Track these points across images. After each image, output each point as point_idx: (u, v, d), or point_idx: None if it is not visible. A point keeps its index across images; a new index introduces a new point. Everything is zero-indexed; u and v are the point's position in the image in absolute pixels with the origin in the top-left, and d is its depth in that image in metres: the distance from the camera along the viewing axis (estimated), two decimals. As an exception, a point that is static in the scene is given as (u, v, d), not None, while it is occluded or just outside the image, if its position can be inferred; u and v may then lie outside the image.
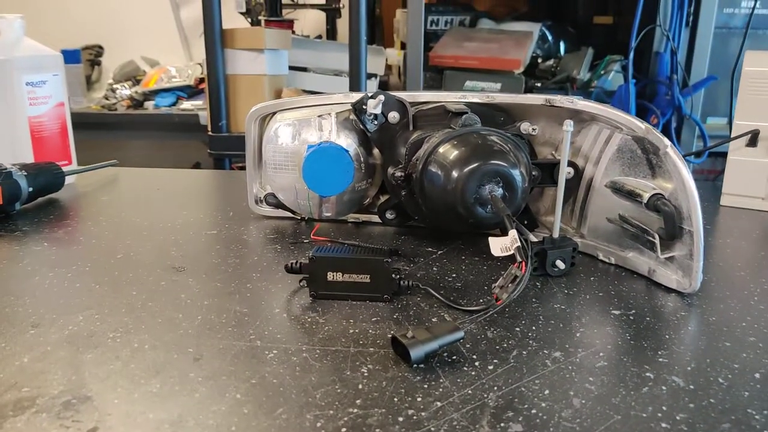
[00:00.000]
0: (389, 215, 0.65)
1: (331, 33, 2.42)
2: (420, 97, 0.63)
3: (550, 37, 1.92)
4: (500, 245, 0.48)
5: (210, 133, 1.49)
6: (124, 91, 2.25)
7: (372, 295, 0.50)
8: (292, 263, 0.51)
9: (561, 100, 0.58)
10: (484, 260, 0.59)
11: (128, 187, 0.88)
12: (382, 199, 0.68)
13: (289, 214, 0.70)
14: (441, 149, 0.55)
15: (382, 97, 0.59)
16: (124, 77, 2.35)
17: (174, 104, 2.24)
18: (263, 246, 0.63)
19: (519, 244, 0.46)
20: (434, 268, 0.57)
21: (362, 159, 0.63)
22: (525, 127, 0.59)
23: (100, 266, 0.56)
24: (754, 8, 1.46)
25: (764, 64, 0.78)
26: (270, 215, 0.71)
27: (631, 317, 0.48)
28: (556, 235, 0.55)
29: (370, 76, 1.61)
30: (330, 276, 0.49)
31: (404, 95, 0.63)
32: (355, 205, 0.66)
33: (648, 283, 0.55)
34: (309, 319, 0.46)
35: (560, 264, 0.54)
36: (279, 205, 0.68)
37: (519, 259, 0.46)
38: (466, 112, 0.58)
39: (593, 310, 0.49)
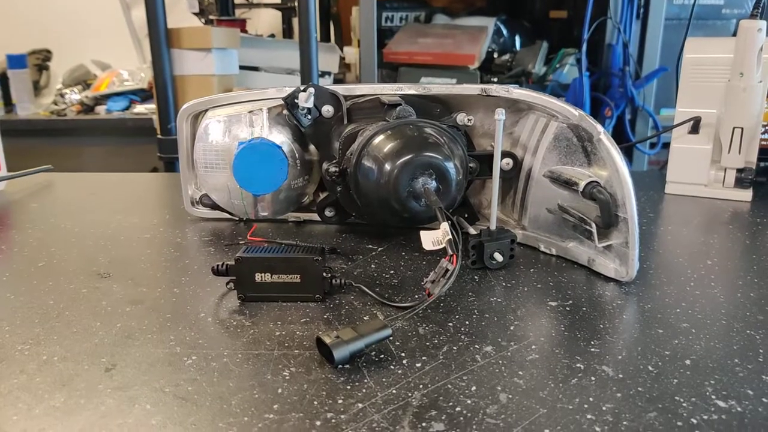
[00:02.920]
0: (328, 213, 0.63)
1: (288, 32, 2.39)
2: (355, 89, 0.62)
3: (505, 32, 1.93)
4: (432, 239, 0.46)
5: (159, 136, 1.45)
6: (74, 95, 2.19)
7: (303, 296, 0.48)
8: (218, 265, 0.48)
9: (496, 89, 0.57)
10: (423, 256, 0.58)
11: (62, 192, 0.84)
12: (322, 196, 0.66)
13: (228, 216, 0.68)
14: (374, 142, 0.54)
15: (312, 90, 0.57)
16: (74, 81, 2.29)
17: (127, 108, 2.19)
18: (197, 249, 0.60)
19: (450, 237, 0.45)
20: (372, 266, 0.55)
21: (297, 155, 0.61)
22: (461, 118, 0.58)
23: (18, 275, 0.53)
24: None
25: (704, 50, 0.79)
26: (207, 217, 0.69)
27: (568, 308, 0.47)
28: (493, 227, 0.54)
29: (323, 74, 1.59)
30: (258, 277, 0.47)
31: (339, 88, 0.61)
32: (293, 204, 0.64)
33: (588, 273, 0.54)
34: (235, 323, 0.44)
35: (498, 256, 0.53)
36: (215, 206, 0.66)
37: (450, 252, 0.44)
38: (400, 104, 0.56)
39: (530, 302, 0.48)
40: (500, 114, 0.50)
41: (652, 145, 1.73)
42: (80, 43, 2.48)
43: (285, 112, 0.60)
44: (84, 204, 0.77)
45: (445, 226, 0.46)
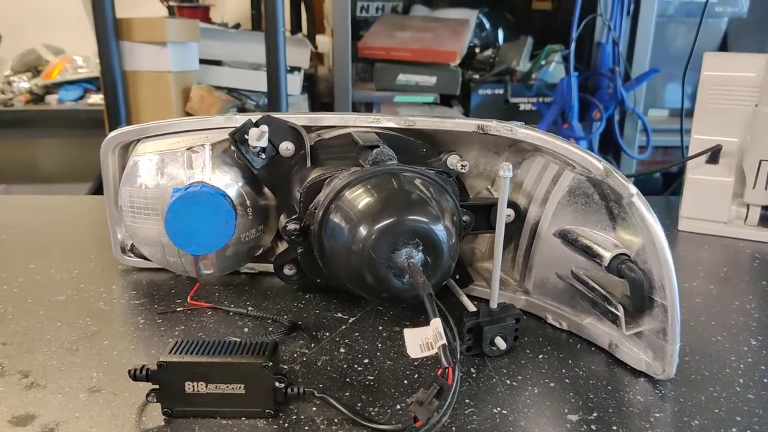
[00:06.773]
0: (288, 271, 0.51)
1: (257, 19, 2.23)
2: (322, 120, 0.50)
3: (487, 25, 1.81)
4: (419, 341, 0.35)
5: (109, 137, 1.31)
6: (23, 83, 2.01)
7: (249, 410, 0.36)
8: (136, 370, 0.37)
9: (497, 127, 0.46)
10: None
11: (-26, 224, 0.71)
12: (281, 247, 0.54)
13: (166, 266, 0.55)
14: (345, 196, 0.42)
15: (265, 128, 0.45)
16: (24, 68, 2.10)
17: (81, 98, 2.02)
18: (122, 319, 0.48)
19: (445, 341, 0.34)
20: (342, 349, 0.44)
21: (249, 202, 0.49)
22: (453, 161, 0.47)
23: None
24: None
25: (726, 68, 0.68)
26: (143, 266, 0.57)
27: (594, 426, 0.36)
28: (494, 304, 0.43)
29: (292, 69, 1.45)
30: (189, 387, 0.36)
31: (303, 118, 0.49)
32: (244, 259, 0.53)
33: (609, 360, 0.43)
34: (152, 462, 0.33)
35: (500, 342, 0.43)
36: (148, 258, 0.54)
37: (444, 363, 0.33)
38: (378, 146, 0.45)
39: (544, 416, 0.37)
40: (507, 170, 0.38)
41: (641, 149, 1.64)
42: (31, 25, 2.29)
43: (234, 148, 0.48)
44: (-5, 243, 0.64)
45: (436, 324, 0.35)
